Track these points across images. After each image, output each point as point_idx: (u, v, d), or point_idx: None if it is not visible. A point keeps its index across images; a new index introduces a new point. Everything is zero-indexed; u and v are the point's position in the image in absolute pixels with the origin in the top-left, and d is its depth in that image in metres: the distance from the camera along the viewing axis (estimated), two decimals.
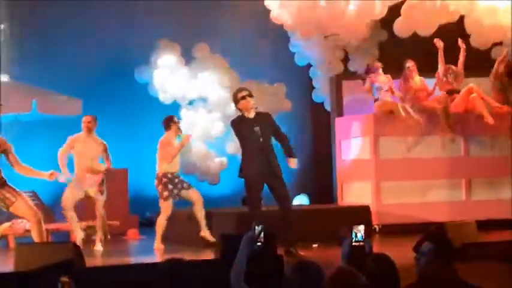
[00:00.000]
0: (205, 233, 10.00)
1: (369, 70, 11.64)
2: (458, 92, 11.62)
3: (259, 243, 4.41)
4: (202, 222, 10.05)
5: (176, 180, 10.10)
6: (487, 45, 12.61)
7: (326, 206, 12.28)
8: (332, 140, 12.84)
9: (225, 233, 8.88)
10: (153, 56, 13.56)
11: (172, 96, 13.51)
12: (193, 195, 10.13)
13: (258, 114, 9.07)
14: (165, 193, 10.02)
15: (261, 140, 8.88)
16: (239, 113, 9.23)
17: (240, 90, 9.29)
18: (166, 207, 10.05)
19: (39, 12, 13.18)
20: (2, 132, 11.48)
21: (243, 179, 9.02)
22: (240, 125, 9.04)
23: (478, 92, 11.41)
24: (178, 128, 10.24)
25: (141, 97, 13.74)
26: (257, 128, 8.91)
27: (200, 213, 10.08)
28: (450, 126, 11.22)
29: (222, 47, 13.88)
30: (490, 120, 11.13)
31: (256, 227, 4.43)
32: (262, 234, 4.42)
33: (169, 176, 10.06)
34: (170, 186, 10.03)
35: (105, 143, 10.31)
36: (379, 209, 11.11)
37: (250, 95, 9.08)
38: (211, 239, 9.84)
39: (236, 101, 9.12)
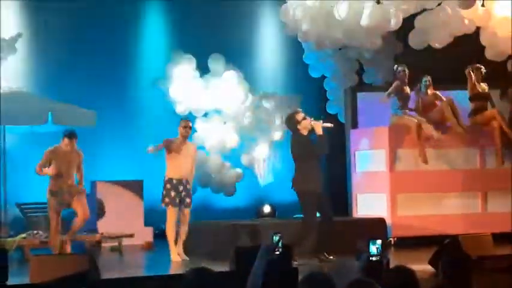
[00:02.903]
0: (180, 250, 10.00)
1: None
2: (483, 109, 11.57)
3: (277, 253, 4.41)
4: (182, 241, 10.04)
5: (181, 187, 9.98)
6: (502, 57, 12.56)
7: (341, 218, 12.24)
8: (347, 151, 12.82)
9: (240, 245, 8.89)
10: (169, 68, 13.61)
11: (188, 107, 13.54)
12: (186, 216, 10.01)
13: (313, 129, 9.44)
14: (166, 199, 9.96)
15: (319, 157, 9.52)
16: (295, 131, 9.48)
17: (298, 112, 9.56)
18: (168, 214, 9.98)
19: (56, 24, 13.25)
20: (19, 143, 11.59)
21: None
22: (299, 144, 9.36)
23: (499, 119, 11.36)
24: (184, 128, 10.07)
25: (156, 109, 13.78)
26: (314, 146, 9.36)
27: (184, 234, 10.03)
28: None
29: (237, 59, 13.91)
30: (499, 160, 11.24)
31: (274, 237, 4.43)
32: (280, 244, 4.41)
33: (174, 182, 9.97)
34: (173, 193, 9.93)
35: (81, 153, 10.01)
36: (394, 221, 11.07)
37: (305, 116, 9.46)
38: (183, 257, 9.96)
39: (297, 122, 9.38)
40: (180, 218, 10.06)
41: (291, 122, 9.51)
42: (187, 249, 10.18)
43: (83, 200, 9.95)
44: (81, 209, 9.87)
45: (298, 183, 9.42)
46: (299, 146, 9.42)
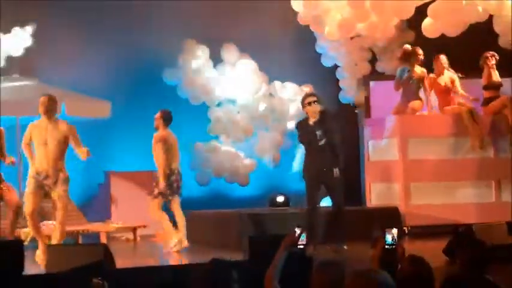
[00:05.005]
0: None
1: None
2: (495, 98, 11.48)
3: (300, 246, 4.35)
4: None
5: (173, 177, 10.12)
6: None
7: (354, 207, 12.24)
8: (360, 141, 12.81)
9: (253, 235, 8.92)
10: (181, 58, 13.61)
11: (201, 97, 13.55)
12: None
13: (322, 115, 9.32)
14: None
15: (321, 143, 9.24)
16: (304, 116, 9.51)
17: (308, 95, 9.64)
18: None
19: (68, 15, 13.27)
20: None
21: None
22: (303, 129, 9.36)
23: (510, 107, 11.29)
24: None
25: (169, 99, 13.78)
26: (319, 132, 9.23)
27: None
28: (476, 130, 11.13)
29: (249, 48, 13.89)
30: None
31: (297, 230, 4.36)
32: (303, 237, 4.35)
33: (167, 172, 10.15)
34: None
35: (72, 126, 8.94)
36: (408, 210, 11.06)
37: (317, 101, 9.35)
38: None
39: (303, 106, 9.44)
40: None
41: (301, 104, 9.60)
42: (197, 238, 10.16)
43: (64, 191, 8.88)
44: (60, 200, 8.86)
45: (302, 169, 9.53)
46: (298, 130, 9.50)
